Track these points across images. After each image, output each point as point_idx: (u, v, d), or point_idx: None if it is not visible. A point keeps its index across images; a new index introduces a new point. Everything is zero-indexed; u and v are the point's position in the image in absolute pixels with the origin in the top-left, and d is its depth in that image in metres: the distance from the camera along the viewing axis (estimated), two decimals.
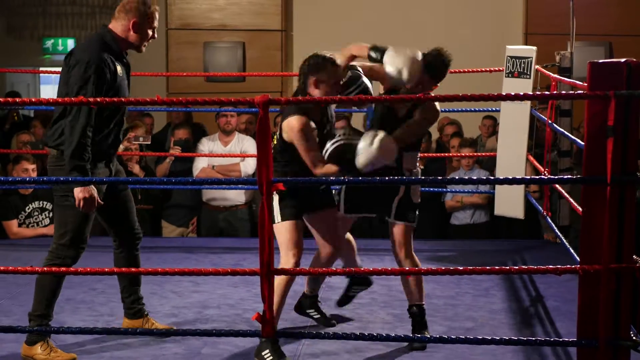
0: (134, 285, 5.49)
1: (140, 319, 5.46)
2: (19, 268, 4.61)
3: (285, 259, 5.04)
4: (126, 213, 5.39)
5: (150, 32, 5.08)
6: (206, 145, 8.50)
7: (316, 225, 5.36)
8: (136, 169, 8.40)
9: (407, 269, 5.22)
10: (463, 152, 8.45)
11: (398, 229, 5.34)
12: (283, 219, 5.09)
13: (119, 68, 5.01)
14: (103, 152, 5.07)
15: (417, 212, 5.38)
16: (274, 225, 4.98)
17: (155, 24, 5.09)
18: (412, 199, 5.36)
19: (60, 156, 4.96)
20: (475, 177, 8.10)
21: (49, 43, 12.46)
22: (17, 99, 4.44)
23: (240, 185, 8.20)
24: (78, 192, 4.86)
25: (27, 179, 4.65)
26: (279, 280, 4.84)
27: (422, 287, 5.27)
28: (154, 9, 5.10)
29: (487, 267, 4.38)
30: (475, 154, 8.43)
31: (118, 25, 5.04)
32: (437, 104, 5.16)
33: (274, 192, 4.78)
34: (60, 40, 11.88)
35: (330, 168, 4.92)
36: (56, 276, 5.10)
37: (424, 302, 5.32)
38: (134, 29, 5.02)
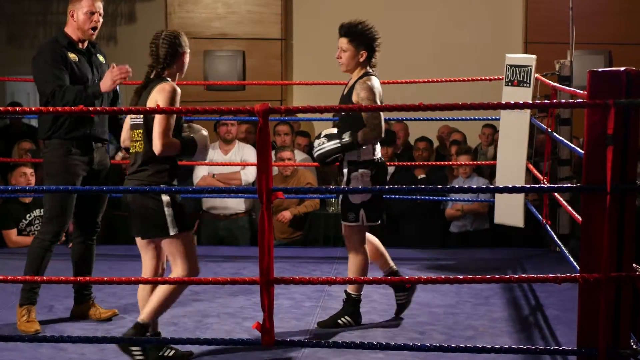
0: (86, 273, 5.91)
1: (87, 304, 5.90)
2: (18, 277, 4.60)
3: (181, 272, 4.97)
4: (97, 206, 5.86)
5: (85, 19, 5.69)
6: (208, 155, 8.49)
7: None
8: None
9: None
10: (460, 160, 8.47)
11: (344, 229, 5.70)
12: (183, 229, 4.97)
13: (72, 55, 5.66)
14: (80, 137, 5.64)
15: (361, 211, 5.59)
16: (171, 236, 4.92)
17: (86, 9, 5.68)
18: (349, 199, 5.61)
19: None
20: (474, 186, 8.11)
21: None
22: (17, 108, 4.46)
23: (240, 194, 8.20)
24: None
25: (27, 187, 4.70)
26: (167, 288, 4.91)
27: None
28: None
29: (487, 276, 4.38)
30: (472, 162, 8.43)
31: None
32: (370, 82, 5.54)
33: (169, 204, 4.87)
34: None
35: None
36: (42, 250, 5.60)
37: (360, 293, 5.71)
38: (70, 20, 5.74)
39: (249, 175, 8.37)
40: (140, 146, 4.95)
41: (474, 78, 8.04)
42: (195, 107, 4.40)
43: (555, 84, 6.94)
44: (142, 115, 4.92)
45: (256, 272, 4.21)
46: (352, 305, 5.75)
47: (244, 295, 6.42)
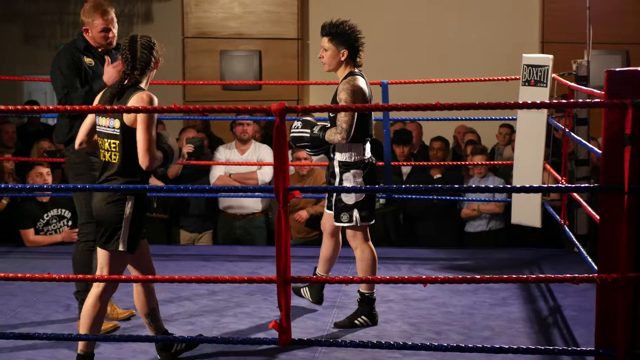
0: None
1: None
2: (36, 275, 4.62)
3: (101, 290, 4.85)
4: None
5: (101, 36, 5.69)
6: (223, 153, 8.52)
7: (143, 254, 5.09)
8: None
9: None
10: (475, 160, 8.45)
11: (336, 229, 5.89)
12: (130, 251, 4.86)
13: (87, 60, 5.69)
14: None
15: (355, 212, 5.67)
16: (113, 252, 4.82)
17: (100, 28, 5.67)
18: (343, 200, 5.68)
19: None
20: (490, 185, 8.08)
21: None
22: (35, 107, 4.47)
23: (257, 194, 8.20)
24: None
25: (45, 186, 4.68)
26: (95, 309, 4.82)
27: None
28: (96, 19, 5.68)
29: (505, 276, 4.37)
30: (489, 162, 8.40)
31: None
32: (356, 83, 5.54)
33: (128, 219, 4.77)
34: None
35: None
36: (89, 252, 5.60)
37: (373, 291, 5.76)
38: (85, 33, 5.73)
39: (266, 175, 8.38)
40: (114, 157, 4.79)
41: (491, 78, 8.03)
42: (212, 107, 4.41)
43: (573, 83, 6.92)
44: (116, 125, 4.75)
45: (273, 272, 4.22)
46: (367, 304, 5.76)
47: (260, 294, 6.42)
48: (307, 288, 5.97)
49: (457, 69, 10.07)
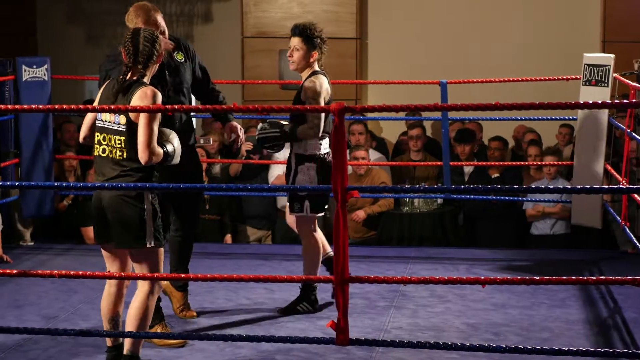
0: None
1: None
2: (97, 273, 4.67)
3: (149, 288, 4.79)
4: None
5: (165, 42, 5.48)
6: (282, 152, 8.52)
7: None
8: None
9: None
10: (546, 161, 8.31)
11: (289, 218, 6.19)
12: (159, 245, 4.81)
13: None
14: None
15: (305, 202, 5.94)
16: (146, 249, 4.74)
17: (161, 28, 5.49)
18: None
19: None
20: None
21: None
22: (89, 106, 4.53)
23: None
24: None
25: (97, 184, 4.71)
26: (143, 309, 4.75)
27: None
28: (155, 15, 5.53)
29: (564, 277, 4.33)
30: (549, 162, 8.30)
31: None
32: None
33: (150, 213, 4.72)
34: None
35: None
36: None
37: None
38: None
39: None
40: (120, 153, 4.70)
41: (551, 78, 7.96)
42: (271, 106, 4.42)
43: (634, 83, 6.84)
44: (122, 121, 4.67)
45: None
46: (308, 290, 6.03)
47: (318, 293, 6.43)
48: (304, 303, 6.04)
49: (517, 69, 9.99)
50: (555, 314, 6.01)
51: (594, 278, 4.52)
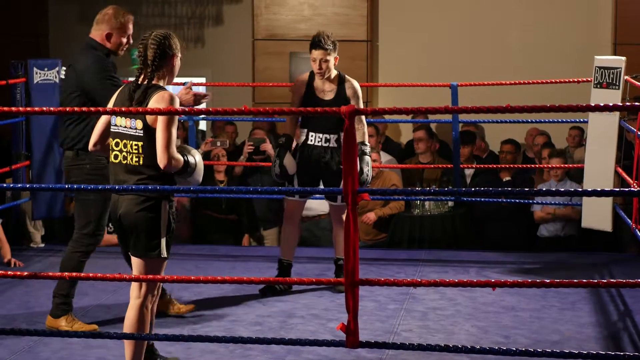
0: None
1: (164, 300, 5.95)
2: (107, 275, 4.68)
3: (143, 300, 4.68)
4: None
5: (124, 40, 5.79)
6: None
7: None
8: (221, 176, 8.51)
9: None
10: (552, 163, 8.31)
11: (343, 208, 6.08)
12: (165, 257, 4.71)
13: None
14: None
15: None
16: (153, 260, 4.66)
17: (129, 32, 5.77)
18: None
19: (76, 157, 5.69)
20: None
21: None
22: (101, 108, 4.53)
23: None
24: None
25: (118, 187, 4.68)
26: (138, 321, 4.65)
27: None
28: (127, 19, 5.77)
29: (574, 280, 4.33)
30: (564, 165, 8.28)
31: (97, 35, 5.79)
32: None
33: (166, 224, 4.63)
34: None
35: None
36: (80, 262, 5.70)
37: (289, 259, 6.59)
38: (107, 39, 5.76)
39: None
40: (137, 159, 4.60)
41: (562, 80, 7.95)
42: (282, 109, 4.43)
43: None
44: (139, 126, 4.58)
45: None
46: (284, 270, 6.58)
47: (328, 296, 6.43)
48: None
49: (527, 71, 9.98)
50: (566, 316, 6.00)
51: (605, 281, 4.50)
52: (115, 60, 5.86)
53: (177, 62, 4.79)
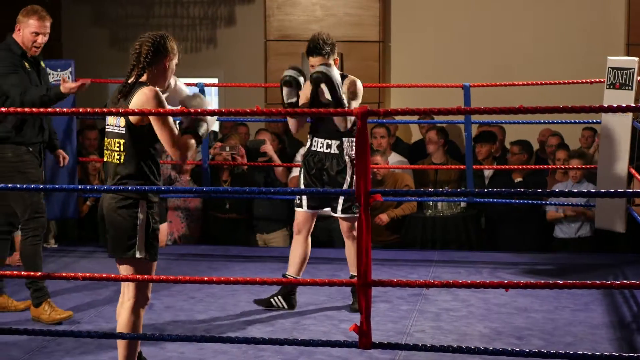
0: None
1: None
2: (120, 276, 4.68)
3: (133, 303, 4.61)
4: None
5: (30, 38, 5.96)
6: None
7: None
8: (224, 175, 8.51)
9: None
10: (572, 164, 8.24)
11: (348, 220, 6.25)
12: (152, 259, 4.63)
13: (26, 64, 6.00)
14: (29, 142, 6.03)
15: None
16: (130, 260, 4.57)
17: (33, 30, 5.94)
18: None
19: None
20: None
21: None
22: (114, 109, 4.53)
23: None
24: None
25: (120, 187, 4.65)
26: (131, 324, 4.59)
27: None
28: (32, 19, 5.93)
29: (588, 282, 4.32)
30: (577, 166, 8.23)
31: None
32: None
33: (143, 223, 4.54)
34: None
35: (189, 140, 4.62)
36: (36, 248, 5.96)
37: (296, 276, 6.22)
38: (16, 32, 6.01)
39: None
40: (119, 157, 4.56)
41: (574, 81, 7.93)
42: (294, 109, 4.43)
43: None
44: (122, 124, 4.53)
45: None
46: (284, 289, 6.26)
47: (341, 297, 6.43)
48: (279, 297, 6.24)
49: (540, 72, 9.96)
50: (579, 318, 5.99)
51: (618, 282, 4.49)
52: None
53: (172, 65, 4.70)
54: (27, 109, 4.50)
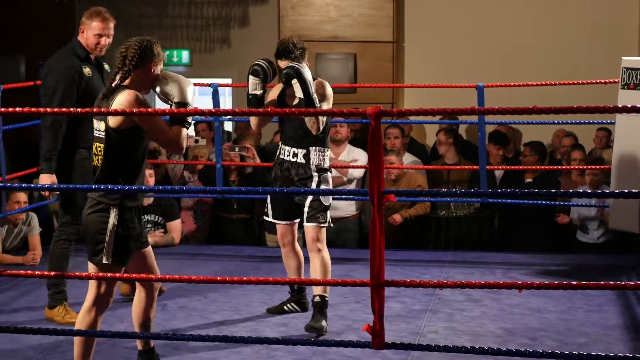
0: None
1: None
2: (134, 275, 4.69)
3: (89, 304, 4.67)
4: None
5: (94, 40, 5.96)
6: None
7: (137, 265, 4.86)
8: (233, 176, 8.51)
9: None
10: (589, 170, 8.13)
11: (311, 230, 5.86)
12: (118, 264, 4.66)
13: (86, 69, 5.96)
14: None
15: (328, 212, 5.92)
16: (98, 265, 4.63)
17: (96, 32, 5.94)
18: (322, 202, 5.87)
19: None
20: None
21: (164, 54, 12.53)
22: (127, 109, 4.53)
23: (351, 197, 8.20)
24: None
25: (134, 187, 4.67)
26: (83, 321, 4.65)
27: (327, 280, 5.47)
28: (95, 21, 5.94)
29: (601, 282, 4.30)
30: (590, 167, 8.17)
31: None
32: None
33: (114, 229, 4.57)
34: (175, 52, 12.07)
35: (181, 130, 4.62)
36: (65, 252, 6.00)
37: (327, 294, 5.83)
38: (80, 34, 6.00)
39: (355, 173, 8.35)
40: (99, 161, 4.60)
41: (589, 81, 7.91)
42: (308, 109, 4.43)
43: None
44: (102, 128, 4.57)
45: (366, 275, 4.22)
46: (298, 293, 6.20)
47: (353, 297, 6.43)
48: (291, 303, 6.20)
49: (554, 72, 9.94)
50: (593, 319, 5.97)
51: (632, 283, 4.48)
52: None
53: (156, 70, 4.70)
54: (33, 109, 4.49)
